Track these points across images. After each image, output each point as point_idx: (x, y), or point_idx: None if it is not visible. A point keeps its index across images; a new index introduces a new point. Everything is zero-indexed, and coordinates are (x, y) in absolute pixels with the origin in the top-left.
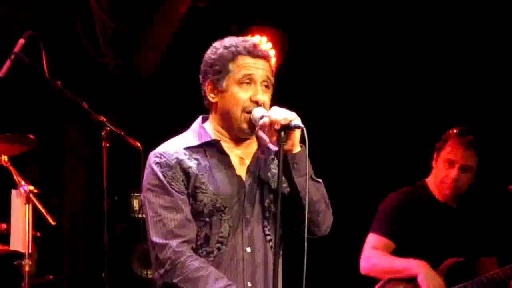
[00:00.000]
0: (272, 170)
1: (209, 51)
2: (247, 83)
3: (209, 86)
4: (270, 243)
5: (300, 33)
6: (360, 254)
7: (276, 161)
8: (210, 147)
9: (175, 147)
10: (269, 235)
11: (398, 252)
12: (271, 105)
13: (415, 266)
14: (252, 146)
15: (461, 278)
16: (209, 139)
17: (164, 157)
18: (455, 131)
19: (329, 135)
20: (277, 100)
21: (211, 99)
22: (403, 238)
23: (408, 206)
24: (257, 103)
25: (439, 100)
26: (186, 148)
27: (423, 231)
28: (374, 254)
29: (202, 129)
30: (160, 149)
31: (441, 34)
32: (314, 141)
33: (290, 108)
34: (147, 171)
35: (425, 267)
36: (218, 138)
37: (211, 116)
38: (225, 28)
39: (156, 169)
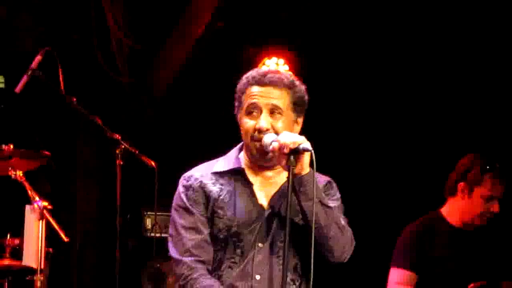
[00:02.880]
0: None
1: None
2: (253, 112)
3: (238, 119)
4: (281, 272)
5: (316, 54)
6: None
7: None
8: (237, 174)
9: (202, 171)
10: (284, 263)
11: (423, 283)
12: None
13: None
14: (281, 175)
15: None
16: (235, 166)
17: (190, 180)
18: (486, 164)
19: (345, 162)
20: None
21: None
22: (425, 268)
23: (426, 235)
24: (260, 131)
25: (445, 123)
26: (214, 173)
27: (444, 259)
28: None
29: (235, 156)
30: (189, 172)
31: (453, 51)
32: (326, 169)
33: (304, 128)
34: (176, 192)
35: None
36: (246, 166)
37: None
38: (240, 49)
39: (182, 190)
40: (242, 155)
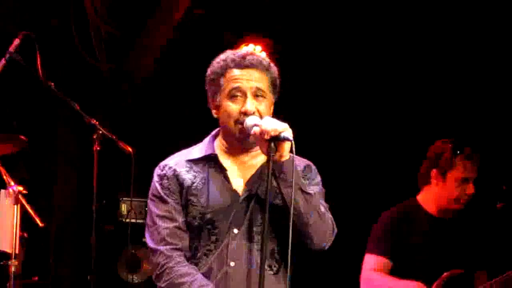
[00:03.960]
0: (273, 184)
1: (208, 69)
2: (237, 96)
3: (211, 103)
4: (258, 258)
5: (294, 42)
6: (358, 275)
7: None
8: (210, 161)
9: (177, 160)
10: (261, 250)
11: (397, 270)
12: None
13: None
14: (258, 158)
15: None
16: (208, 152)
17: (165, 169)
18: (455, 148)
19: (323, 149)
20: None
21: (214, 115)
22: (401, 256)
23: (402, 223)
24: (246, 114)
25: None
26: (188, 161)
27: (421, 246)
28: (374, 276)
29: (209, 142)
30: (164, 161)
31: (432, 38)
32: (306, 156)
33: (284, 118)
34: (152, 181)
35: None
36: (222, 152)
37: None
38: (219, 36)
39: (157, 180)
40: (218, 141)
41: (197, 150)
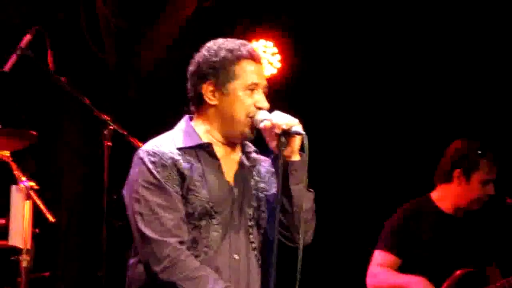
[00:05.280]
0: (255, 177)
1: (205, 53)
2: (253, 90)
3: (209, 88)
4: (255, 251)
5: (307, 38)
6: (366, 271)
7: (257, 168)
8: (202, 150)
9: (168, 147)
10: (253, 242)
11: (406, 267)
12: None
13: (412, 283)
14: (237, 151)
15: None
16: (200, 141)
17: (159, 156)
18: (480, 149)
19: (336, 146)
20: (282, 105)
21: (209, 101)
22: (411, 253)
23: (414, 220)
24: (260, 109)
25: (436, 110)
26: (179, 149)
27: (432, 244)
28: (380, 271)
29: (192, 130)
30: (153, 147)
31: (442, 45)
32: (318, 152)
33: (294, 113)
34: (139, 167)
35: (420, 283)
36: (209, 141)
37: (201, 118)
38: (229, 30)
39: (152, 167)
40: (199, 129)
41: (182, 137)
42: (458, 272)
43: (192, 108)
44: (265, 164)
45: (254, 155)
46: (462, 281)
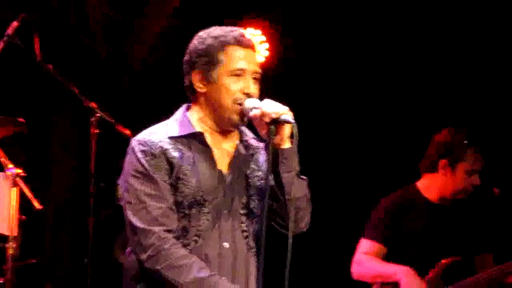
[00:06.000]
0: (252, 165)
1: (195, 41)
2: (240, 75)
3: (197, 76)
4: (247, 240)
5: (295, 27)
6: (351, 259)
7: (255, 157)
8: (193, 139)
9: (159, 136)
10: (246, 231)
11: (392, 256)
12: (260, 99)
13: (398, 272)
14: (234, 139)
15: (460, 276)
16: (192, 130)
17: (148, 145)
18: (468, 139)
19: (323, 135)
20: (270, 94)
21: (199, 90)
22: (398, 242)
23: (400, 209)
24: (249, 96)
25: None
26: (171, 138)
27: (419, 233)
28: (365, 259)
29: (186, 119)
30: (144, 136)
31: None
32: (306, 141)
33: (283, 103)
34: (130, 156)
35: (406, 273)
36: (202, 130)
37: (195, 106)
38: (219, 20)
39: (141, 156)
40: (193, 117)
41: (176, 126)
42: (443, 261)
43: (189, 97)
44: (264, 152)
45: (253, 143)
46: (448, 270)
